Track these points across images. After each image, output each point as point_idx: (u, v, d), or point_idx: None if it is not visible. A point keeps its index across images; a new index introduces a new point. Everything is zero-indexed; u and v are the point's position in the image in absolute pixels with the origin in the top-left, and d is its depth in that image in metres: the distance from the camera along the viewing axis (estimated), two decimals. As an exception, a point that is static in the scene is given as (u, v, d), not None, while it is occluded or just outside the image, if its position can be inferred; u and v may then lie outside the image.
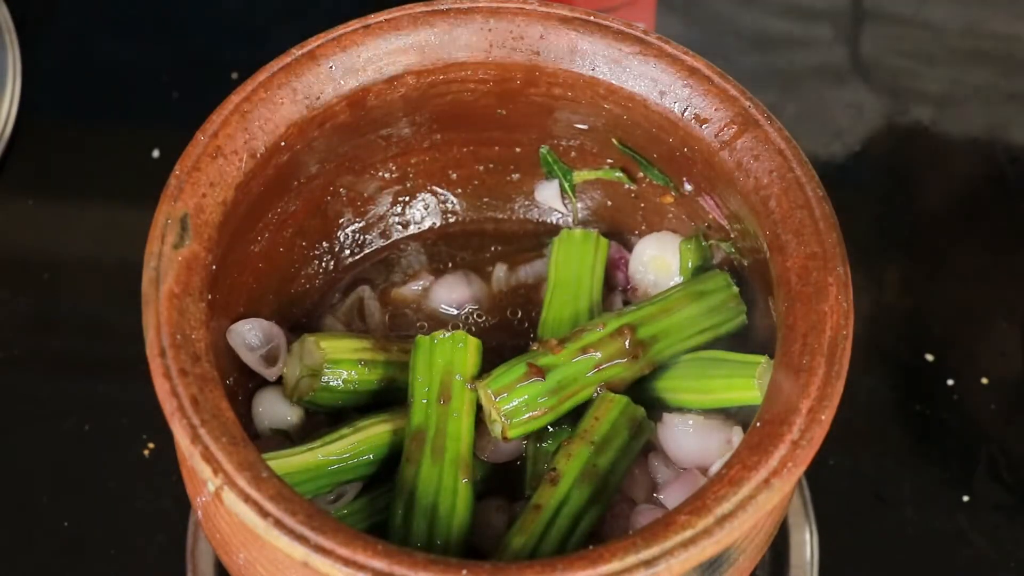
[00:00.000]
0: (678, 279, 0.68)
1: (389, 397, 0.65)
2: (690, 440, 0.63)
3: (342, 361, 0.63)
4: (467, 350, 0.62)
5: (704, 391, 0.64)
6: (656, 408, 0.64)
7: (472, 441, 0.61)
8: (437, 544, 0.59)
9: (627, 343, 0.63)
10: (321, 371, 0.63)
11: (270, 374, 0.64)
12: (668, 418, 0.63)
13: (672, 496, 0.62)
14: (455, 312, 0.70)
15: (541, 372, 0.61)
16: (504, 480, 0.64)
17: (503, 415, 0.61)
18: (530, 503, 0.60)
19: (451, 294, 0.70)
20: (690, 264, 0.67)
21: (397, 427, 0.62)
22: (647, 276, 0.69)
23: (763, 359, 0.62)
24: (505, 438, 0.61)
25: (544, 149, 0.70)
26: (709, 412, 0.64)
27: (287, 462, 0.60)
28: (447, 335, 0.63)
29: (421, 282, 0.70)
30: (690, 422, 0.63)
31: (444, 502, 0.59)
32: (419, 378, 0.62)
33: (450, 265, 0.71)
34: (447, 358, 0.62)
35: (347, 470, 0.62)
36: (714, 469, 0.62)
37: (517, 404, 0.61)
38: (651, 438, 0.64)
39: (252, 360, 0.64)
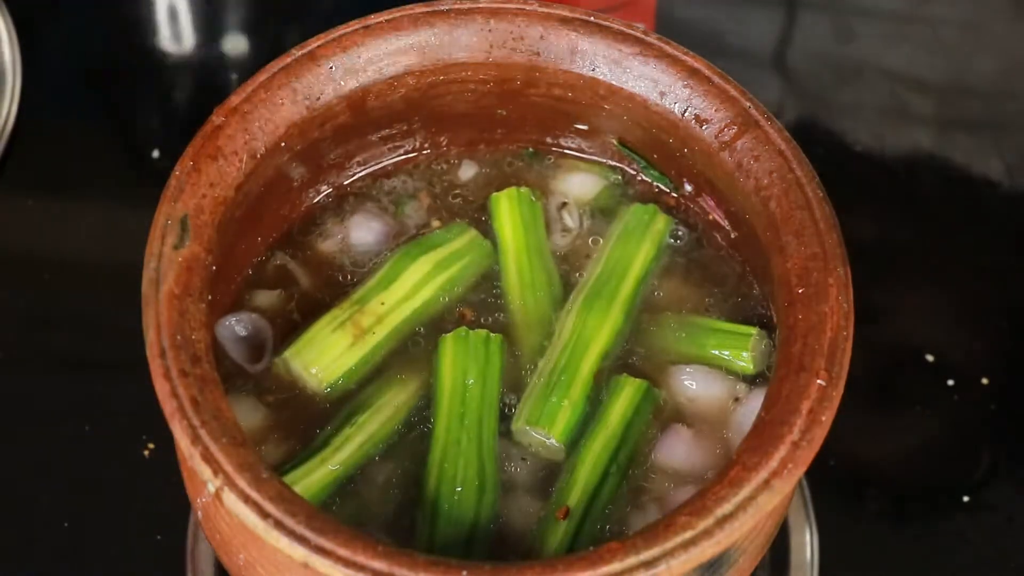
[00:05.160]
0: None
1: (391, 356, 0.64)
2: (697, 389, 0.63)
3: (338, 377, 0.63)
4: (491, 348, 0.62)
5: (700, 347, 0.64)
6: (655, 368, 0.64)
7: (495, 444, 0.61)
8: (463, 545, 0.58)
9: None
10: (323, 391, 0.63)
11: (255, 369, 0.64)
12: (674, 370, 0.63)
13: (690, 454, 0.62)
14: (376, 248, 0.67)
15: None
16: (532, 478, 0.63)
17: (536, 435, 0.61)
18: (559, 500, 0.59)
19: (367, 232, 0.67)
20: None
21: (395, 408, 0.62)
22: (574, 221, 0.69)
23: (755, 330, 0.63)
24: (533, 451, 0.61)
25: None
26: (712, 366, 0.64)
27: (308, 482, 0.60)
28: (470, 334, 0.62)
29: (337, 236, 0.68)
30: (691, 370, 0.63)
31: (468, 502, 0.59)
32: (444, 379, 0.62)
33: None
34: (471, 357, 0.62)
35: (360, 467, 0.61)
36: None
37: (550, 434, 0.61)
38: (668, 417, 0.63)
39: (237, 353, 0.63)
